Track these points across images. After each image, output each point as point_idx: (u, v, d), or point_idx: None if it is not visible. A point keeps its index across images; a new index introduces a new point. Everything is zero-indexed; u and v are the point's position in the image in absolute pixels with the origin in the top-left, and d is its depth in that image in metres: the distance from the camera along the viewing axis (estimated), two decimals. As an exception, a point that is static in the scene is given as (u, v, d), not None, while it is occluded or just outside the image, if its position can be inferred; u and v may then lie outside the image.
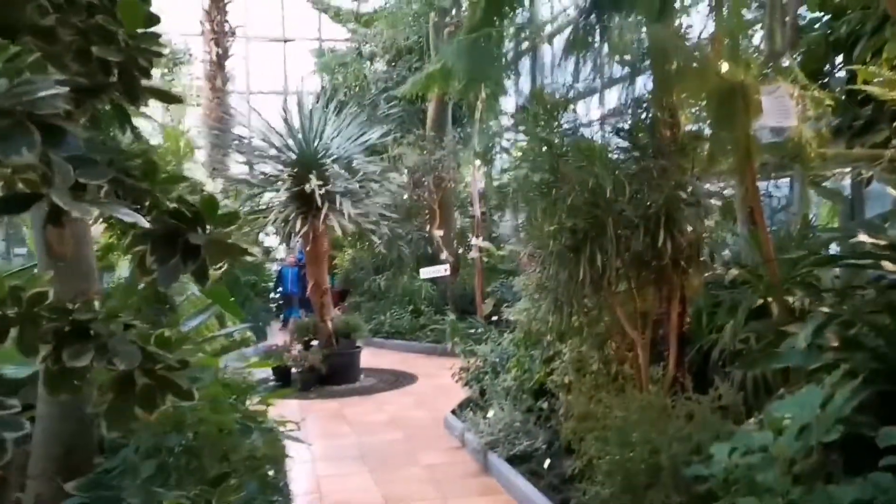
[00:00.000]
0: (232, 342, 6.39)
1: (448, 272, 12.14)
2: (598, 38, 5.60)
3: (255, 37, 19.16)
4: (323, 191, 8.59)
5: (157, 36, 1.78)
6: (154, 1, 1.96)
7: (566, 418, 4.66)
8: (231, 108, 12.67)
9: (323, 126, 9.48)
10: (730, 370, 4.38)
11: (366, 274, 13.98)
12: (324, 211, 8.60)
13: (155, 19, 1.88)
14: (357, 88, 15.56)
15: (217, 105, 13.50)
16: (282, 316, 14.96)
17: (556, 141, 4.41)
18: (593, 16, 5.60)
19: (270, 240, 13.32)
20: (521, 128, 4.93)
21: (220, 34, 14.04)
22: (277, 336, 12.53)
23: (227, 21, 14.17)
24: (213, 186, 11.78)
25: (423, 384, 9.30)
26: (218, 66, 13.99)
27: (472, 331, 9.43)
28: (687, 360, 4.80)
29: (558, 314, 4.40)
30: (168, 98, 1.91)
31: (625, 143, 4.61)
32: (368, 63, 16.48)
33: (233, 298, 10.44)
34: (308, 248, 9.55)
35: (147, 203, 1.90)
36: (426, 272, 12.20)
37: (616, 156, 4.55)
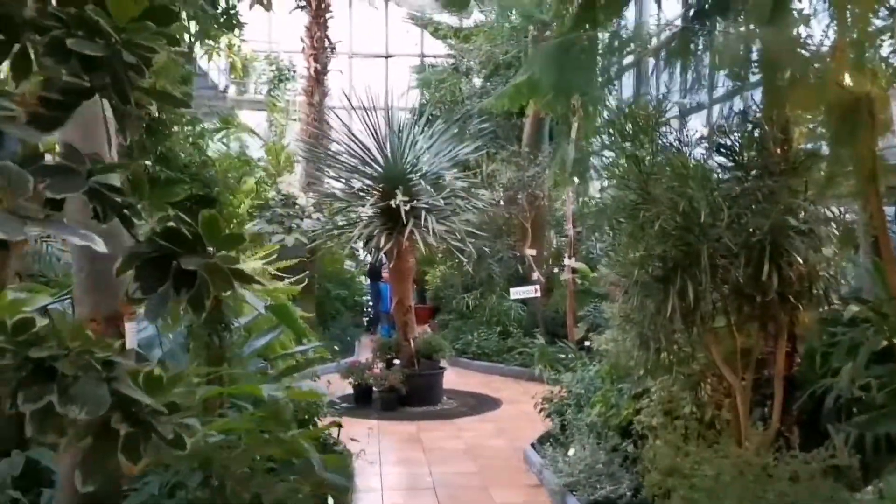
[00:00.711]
0: (306, 360, 6.22)
1: (539, 293, 11.67)
2: (700, 46, 5.14)
3: (357, 53, 19.43)
4: (408, 206, 8.39)
5: (149, 28, 1.53)
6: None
7: (651, 468, 4.17)
8: (326, 124, 12.74)
9: (413, 141, 9.30)
10: (845, 425, 3.79)
11: (454, 292, 13.70)
12: (409, 227, 8.39)
13: (156, 12, 1.63)
14: (452, 103, 15.38)
15: (313, 120, 13.61)
16: (378, 331, 14.73)
17: (647, 158, 3.97)
18: (696, 23, 5.15)
19: (364, 255, 13.25)
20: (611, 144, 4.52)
21: (318, 50, 14.18)
22: (367, 351, 12.37)
23: (326, 37, 14.30)
24: (305, 200, 11.86)
25: (507, 410, 8.88)
26: (316, 81, 14.11)
27: (562, 356, 8.96)
28: (796, 408, 4.24)
29: (644, 350, 3.94)
30: (168, 100, 1.66)
31: (726, 162, 4.12)
32: (465, 78, 16.30)
33: (313, 314, 10.33)
34: (392, 265, 9.37)
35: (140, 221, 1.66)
36: (516, 293, 11.78)
37: (714, 175, 4.07)
